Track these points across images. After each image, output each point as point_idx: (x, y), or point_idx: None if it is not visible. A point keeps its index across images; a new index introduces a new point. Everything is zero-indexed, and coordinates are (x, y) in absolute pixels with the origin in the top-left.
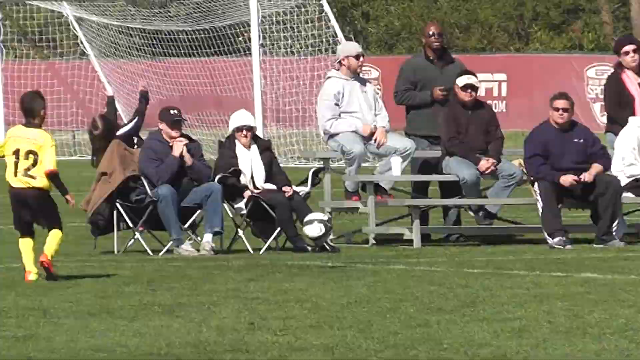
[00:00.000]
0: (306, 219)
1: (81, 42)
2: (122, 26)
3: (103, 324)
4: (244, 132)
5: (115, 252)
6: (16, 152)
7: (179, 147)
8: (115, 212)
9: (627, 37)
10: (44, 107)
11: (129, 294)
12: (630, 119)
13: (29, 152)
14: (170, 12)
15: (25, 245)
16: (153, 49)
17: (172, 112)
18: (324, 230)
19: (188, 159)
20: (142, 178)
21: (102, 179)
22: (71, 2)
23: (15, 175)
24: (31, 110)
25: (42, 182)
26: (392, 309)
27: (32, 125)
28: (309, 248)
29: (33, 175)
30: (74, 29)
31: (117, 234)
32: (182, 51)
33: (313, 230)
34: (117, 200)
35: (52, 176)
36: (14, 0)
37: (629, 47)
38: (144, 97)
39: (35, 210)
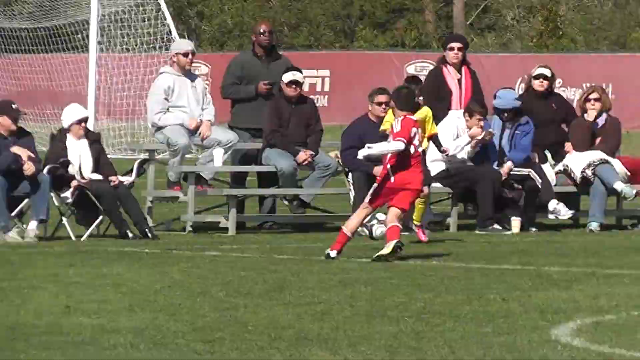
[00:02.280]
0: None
1: None
2: None
3: None
4: (82, 124)
5: None
6: None
7: (23, 153)
8: None
9: (457, 35)
10: None
11: None
12: (451, 112)
13: None
14: (14, 11)
15: None
16: None
17: (13, 106)
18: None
19: (29, 169)
20: None
21: None
22: None
23: None
24: None
25: None
26: (202, 293)
27: None
28: (130, 235)
29: None
30: None
31: None
32: (22, 47)
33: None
34: None
35: None
36: None
37: (455, 44)
38: None
39: None
